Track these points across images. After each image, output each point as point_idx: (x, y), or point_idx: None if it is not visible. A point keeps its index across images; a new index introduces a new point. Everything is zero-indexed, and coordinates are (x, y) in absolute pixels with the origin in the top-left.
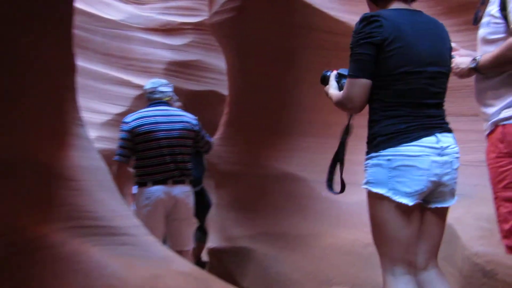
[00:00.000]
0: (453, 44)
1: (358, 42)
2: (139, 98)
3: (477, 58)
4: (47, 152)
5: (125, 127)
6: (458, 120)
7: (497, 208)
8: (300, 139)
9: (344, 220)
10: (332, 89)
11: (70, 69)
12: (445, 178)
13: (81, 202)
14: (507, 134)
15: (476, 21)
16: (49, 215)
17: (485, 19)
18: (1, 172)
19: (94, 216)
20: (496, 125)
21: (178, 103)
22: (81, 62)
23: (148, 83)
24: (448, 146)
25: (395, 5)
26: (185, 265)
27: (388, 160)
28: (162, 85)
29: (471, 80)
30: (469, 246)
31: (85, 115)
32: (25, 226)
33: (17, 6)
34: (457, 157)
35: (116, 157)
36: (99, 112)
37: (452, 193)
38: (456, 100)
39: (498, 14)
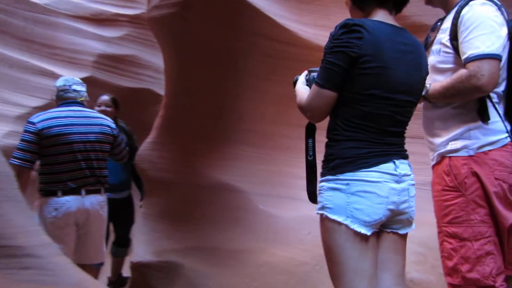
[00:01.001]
0: None
1: (333, 49)
2: None
3: (427, 86)
4: None
5: (31, 128)
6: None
7: (441, 243)
8: (239, 148)
9: (281, 236)
10: (300, 84)
11: None
12: (403, 206)
13: None
14: (453, 167)
15: (426, 47)
16: None
17: (435, 47)
18: None
19: None
20: (442, 156)
21: (106, 97)
22: None
23: (59, 80)
24: (405, 173)
25: (380, 16)
26: None
27: (347, 184)
28: (76, 83)
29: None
30: (405, 272)
31: None
32: None
33: None
34: (413, 184)
35: (16, 161)
36: (14, 104)
37: (409, 221)
38: None
39: (448, 44)
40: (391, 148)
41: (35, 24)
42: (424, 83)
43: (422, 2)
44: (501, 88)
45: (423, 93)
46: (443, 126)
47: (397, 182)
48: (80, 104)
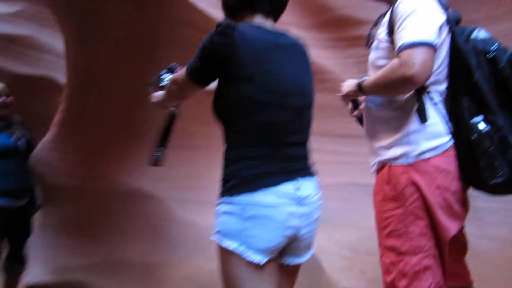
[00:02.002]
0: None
1: (202, 49)
2: None
3: (364, 77)
4: None
5: None
6: (320, 141)
7: (381, 256)
8: None
9: (202, 247)
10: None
11: None
12: (303, 231)
13: None
14: (392, 176)
15: (367, 44)
16: None
17: (374, 43)
18: None
19: None
20: (383, 164)
21: (1, 85)
22: None
23: None
24: (309, 194)
25: (256, 21)
26: None
27: (242, 208)
28: None
29: (337, 99)
30: (334, 280)
31: None
32: None
33: None
34: (317, 206)
35: None
36: None
37: (308, 247)
38: (321, 119)
39: (386, 38)
40: (293, 164)
41: None
42: (312, 84)
43: None
44: (443, 86)
45: (359, 81)
46: (383, 130)
47: (298, 204)
48: None
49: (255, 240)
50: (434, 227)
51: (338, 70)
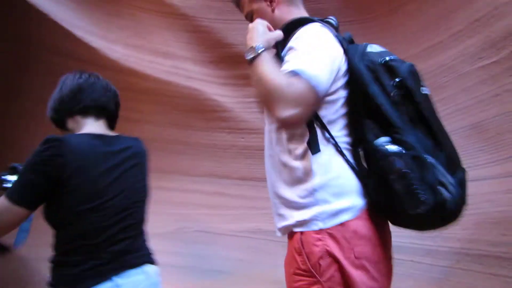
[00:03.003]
0: None
1: (32, 165)
2: None
3: (263, 48)
4: None
5: None
6: (223, 183)
7: None
8: None
9: None
10: None
11: None
12: None
13: None
14: (305, 244)
15: None
16: None
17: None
18: None
19: None
20: (292, 230)
21: None
22: None
23: None
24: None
25: (86, 128)
26: None
27: None
28: None
29: (238, 140)
30: None
31: None
32: None
33: None
34: None
35: None
36: None
37: None
38: (222, 161)
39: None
40: (116, 262)
41: None
42: (145, 180)
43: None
44: (345, 130)
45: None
46: (284, 182)
47: None
48: None
49: None
50: None
51: (238, 109)
